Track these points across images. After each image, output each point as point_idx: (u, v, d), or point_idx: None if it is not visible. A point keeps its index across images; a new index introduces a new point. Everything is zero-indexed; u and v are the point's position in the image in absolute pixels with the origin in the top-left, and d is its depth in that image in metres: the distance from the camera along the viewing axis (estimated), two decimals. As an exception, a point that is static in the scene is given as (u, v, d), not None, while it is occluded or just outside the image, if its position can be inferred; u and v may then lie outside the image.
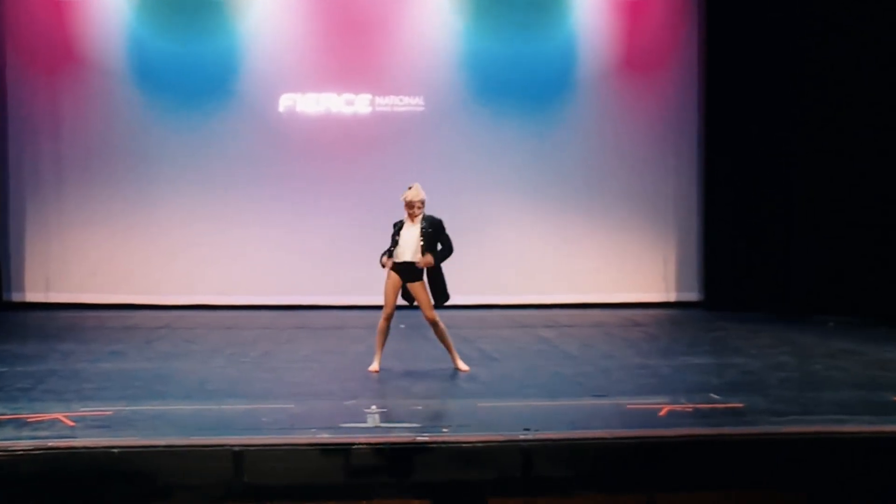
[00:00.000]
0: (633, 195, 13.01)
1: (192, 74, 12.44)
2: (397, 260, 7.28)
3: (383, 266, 7.36)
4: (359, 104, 12.74)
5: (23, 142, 12.41)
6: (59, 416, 5.55)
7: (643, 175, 13.03)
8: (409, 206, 7.30)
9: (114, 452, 4.72)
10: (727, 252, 12.75)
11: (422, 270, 7.30)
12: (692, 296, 13.15)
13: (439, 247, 7.33)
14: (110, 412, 5.73)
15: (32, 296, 12.41)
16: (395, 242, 7.31)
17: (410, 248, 7.26)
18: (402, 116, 12.76)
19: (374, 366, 7.41)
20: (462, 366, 7.49)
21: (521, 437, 4.95)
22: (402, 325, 9.93)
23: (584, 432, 5.06)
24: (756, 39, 12.40)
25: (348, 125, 12.72)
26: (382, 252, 7.40)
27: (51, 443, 4.81)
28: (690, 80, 12.99)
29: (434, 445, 4.83)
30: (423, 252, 7.22)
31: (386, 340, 7.49)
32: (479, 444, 4.87)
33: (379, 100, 12.76)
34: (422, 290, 7.32)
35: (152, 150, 12.49)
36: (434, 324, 7.36)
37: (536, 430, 5.05)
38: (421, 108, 12.78)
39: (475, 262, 11.76)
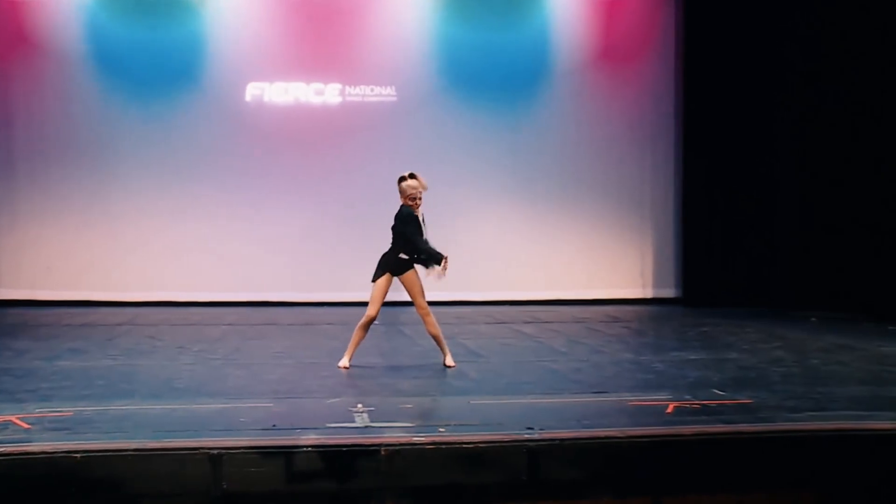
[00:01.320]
0: (609, 189, 12.76)
1: (155, 61, 11.92)
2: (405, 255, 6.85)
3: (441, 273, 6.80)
4: (328, 94, 12.34)
5: (-28, 130, 11.78)
6: (12, 417, 5.00)
7: (620, 168, 12.80)
8: (418, 196, 6.86)
9: (75, 457, 4.21)
10: (705, 248, 12.55)
11: (410, 260, 6.89)
12: (669, 292, 12.93)
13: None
14: (70, 413, 5.20)
15: (-18, 292, 11.80)
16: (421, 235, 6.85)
17: None
18: (374, 107, 12.37)
19: (345, 362, 6.94)
20: (450, 361, 7.07)
21: (526, 436, 4.54)
22: (377, 322, 9.56)
23: (593, 431, 4.66)
24: (736, 30, 12.20)
25: (317, 116, 12.31)
26: (436, 256, 6.82)
27: (2, 448, 4.28)
28: (668, 71, 12.79)
29: (432, 447, 4.39)
30: None
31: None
32: (482, 445, 4.44)
33: (349, 90, 12.38)
34: (415, 279, 6.90)
35: (112, 141, 11.96)
36: (427, 314, 6.91)
37: (541, 430, 4.64)
38: (393, 99, 12.41)
39: (448, 258, 11.36)
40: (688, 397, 5.74)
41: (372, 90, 12.38)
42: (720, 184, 12.39)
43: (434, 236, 7.09)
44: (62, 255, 11.86)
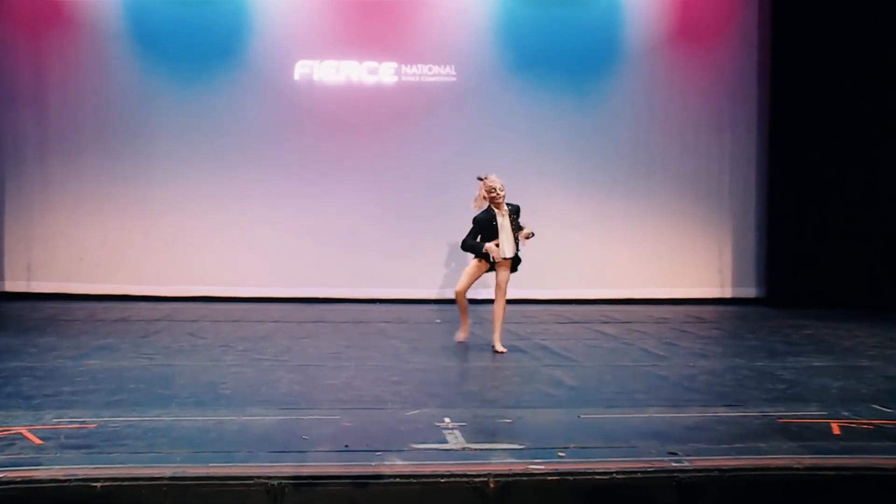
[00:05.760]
0: (684, 180, 11.72)
1: (198, 38, 11.12)
2: (505, 257, 7.09)
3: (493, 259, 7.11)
4: (383, 73, 11.46)
5: (2, 112, 11.07)
6: (23, 430, 4.06)
7: (696, 157, 11.76)
8: (496, 192, 7.14)
9: (94, 487, 3.24)
10: (792, 245, 11.43)
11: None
12: (750, 291, 11.85)
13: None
14: (93, 425, 4.25)
15: (12, 284, 11.08)
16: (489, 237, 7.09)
17: (510, 242, 7.18)
18: (431, 88, 11.46)
19: (461, 334, 7.33)
20: (499, 347, 6.96)
21: (674, 465, 3.50)
22: (438, 321, 8.65)
23: (760, 459, 3.60)
24: (830, 10, 11.10)
25: (371, 97, 11.41)
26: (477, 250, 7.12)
27: (3, 473, 3.33)
28: (751, 53, 11.72)
29: (555, 478, 3.36)
30: (517, 243, 7.24)
31: None
32: (619, 477, 3.41)
33: (405, 69, 11.48)
34: (507, 266, 7.24)
35: (151, 123, 11.19)
36: (503, 292, 7.12)
37: (688, 456, 3.60)
38: (452, 79, 11.50)
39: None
40: (847, 414, 4.66)
41: (430, 69, 11.49)
42: (807, 176, 11.31)
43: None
44: (97, 246, 11.13)
